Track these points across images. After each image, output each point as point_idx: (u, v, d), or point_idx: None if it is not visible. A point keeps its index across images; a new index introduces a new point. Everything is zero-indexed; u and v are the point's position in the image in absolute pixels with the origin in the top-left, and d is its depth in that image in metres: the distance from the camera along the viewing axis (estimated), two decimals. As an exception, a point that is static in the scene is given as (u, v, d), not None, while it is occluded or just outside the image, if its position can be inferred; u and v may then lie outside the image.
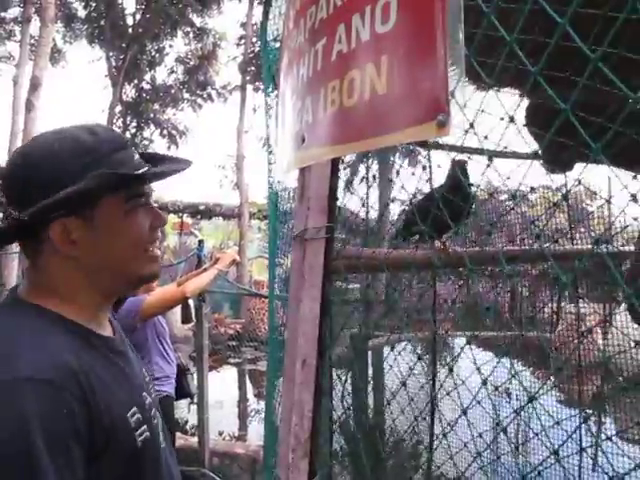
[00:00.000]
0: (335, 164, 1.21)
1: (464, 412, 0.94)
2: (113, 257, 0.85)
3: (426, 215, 1.44)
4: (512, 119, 0.83)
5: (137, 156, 0.88)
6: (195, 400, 4.72)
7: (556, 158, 2.19)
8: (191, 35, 17.21)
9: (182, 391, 3.27)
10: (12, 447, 0.65)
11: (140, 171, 0.85)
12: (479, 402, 1.09)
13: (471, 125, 0.82)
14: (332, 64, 0.96)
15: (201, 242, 5.79)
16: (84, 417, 0.71)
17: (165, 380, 3.04)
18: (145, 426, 0.82)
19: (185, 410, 6.37)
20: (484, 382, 0.91)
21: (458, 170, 1.88)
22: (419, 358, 1.26)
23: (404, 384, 1.24)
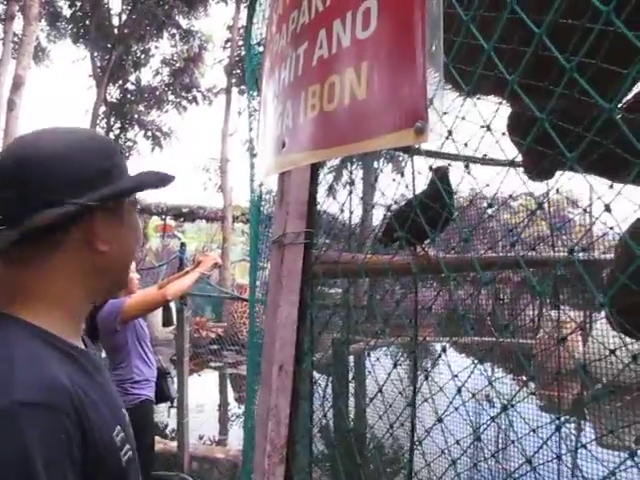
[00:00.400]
0: (315, 170, 1.20)
1: (439, 420, 0.94)
2: (128, 255, 0.89)
3: (406, 221, 1.45)
4: (489, 127, 0.84)
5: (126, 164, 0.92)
6: (175, 404, 4.67)
7: (536, 166, 2.21)
8: (177, 37, 17.14)
9: (162, 395, 3.25)
10: (12, 472, 0.63)
11: (168, 175, 0.89)
12: (456, 408, 1.09)
13: (449, 133, 0.83)
14: (313, 69, 0.96)
15: (183, 245, 5.75)
16: (79, 442, 0.69)
17: (145, 384, 3.01)
18: (128, 445, 0.81)
19: (165, 414, 6.30)
20: (458, 390, 0.92)
21: (438, 177, 1.88)
22: (395, 365, 1.26)
23: (380, 390, 1.24)
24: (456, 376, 1.03)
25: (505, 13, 0.66)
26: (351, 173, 2.09)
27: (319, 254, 1.17)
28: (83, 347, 0.85)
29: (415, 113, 0.69)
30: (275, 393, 1.07)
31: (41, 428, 0.66)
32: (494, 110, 0.92)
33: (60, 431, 0.67)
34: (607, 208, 0.59)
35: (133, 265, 3.14)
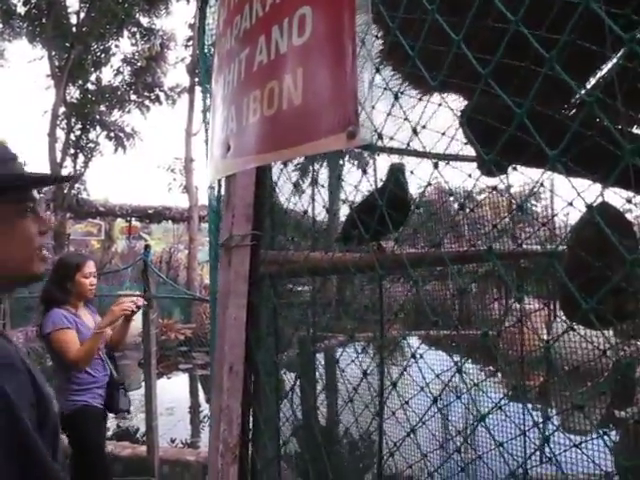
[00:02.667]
0: (260, 172, 1.22)
1: (406, 402, 0.97)
2: (6, 258, 0.91)
3: (363, 218, 1.47)
4: (419, 126, 0.86)
5: (26, 171, 0.99)
6: (135, 411, 4.60)
7: (490, 162, 2.26)
8: (138, 35, 16.83)
9: (111, 406, 3.15)
10: (2, 418, 0.78)
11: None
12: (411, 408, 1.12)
13: (379, 135, 0.85)
14: (254, 74, 0.97)
15: (147, 247, 5.70)
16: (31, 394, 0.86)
17: (85, 391, 2.93)
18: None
19: (135, 418, 6.24)
20: (423, 389, 0.94)
21: (394, 174, 1.91)
22: (349, 360, 1.28)
23: (355, 389, 1.26)
24: (420, 369, 1.05)
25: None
26: (313, 171, 2.11)
27: (265, 255, 1.18)
28: None
29: (347, 118, 0.71)
30: (226, 394, 1.09)
31: (16, 382, 0.83)
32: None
33: (25, 384, 0.85)
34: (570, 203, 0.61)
35: (89, 269, 3.07)
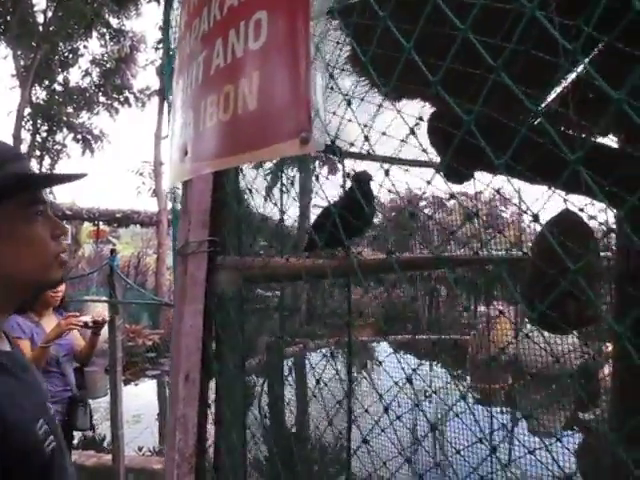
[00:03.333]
0: (218, 177, 1.20)
1: (379, 396, 0.96)
2: (18, 264, 0.85)
3: (325, 225, 1.47)
4: (376, 133, 0.86)
5: (33, 171, 0.92)
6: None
7: (453, 169, 2.29)
8: (107, 36, 16.58)
9: (70, 424, 3.00)
10: None
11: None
12: (385, 408, 1.11)
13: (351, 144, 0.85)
14: (211, 78, 0.96)
15: (113, 251, 5.61)
16: None
17: None
18: (52, 436, 0.85)
19: (101, 426, 6.11)
20: (381, 397, 0.94)
21: (358, 181, 1.92)
22: (316, 365, 1.27)
23: (320, 395, 1.25)
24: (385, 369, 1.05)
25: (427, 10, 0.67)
26: (280, 177, 2.11)
27: (222, 261, 1.17)
28: (8, 349, 0.89)
29: (300, 123, 0.71)
30: (182, 402, 1.06)
31: None
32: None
33: None
34: (536, 218, 0.62)
35: None
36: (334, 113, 1.10)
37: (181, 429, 1.06)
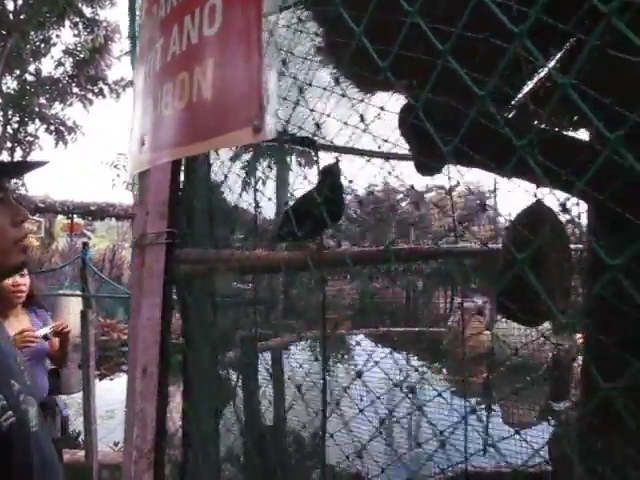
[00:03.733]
0: (176, 168, 1.17)
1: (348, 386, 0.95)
2: None
3: (298, 217, 1.46)
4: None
5: None
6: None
7: (423, 161, 2.29)
8: (80, 26, 16.22)
9: None
10: None
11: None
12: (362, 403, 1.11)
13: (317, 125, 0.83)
14: (167, 66, 0.93)
15: (85, 245, 5.52)
16: None
17: None
18: (10, 412, 0.84)
19: (74, 423, 6.02)
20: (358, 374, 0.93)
21: (324, 173, 1.91)
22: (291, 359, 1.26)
23: (299, 388, 1.24)
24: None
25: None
26: (245, 167, 2.09)
27: (181, 253, 1.15)
28: None
29: (251, 111, 0.69)
30: (139, 397, 1.04)
31: None
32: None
33: None
34: (483, 208, 0.61)
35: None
36: (312, 110, 1.10)
37: (139, 424, 1.04)
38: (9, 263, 0.92)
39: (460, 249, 2.76)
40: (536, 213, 2.04)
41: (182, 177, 1.26)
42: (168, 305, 1.10)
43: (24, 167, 0.96)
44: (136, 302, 1.08)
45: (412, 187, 2.13)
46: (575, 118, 2.21)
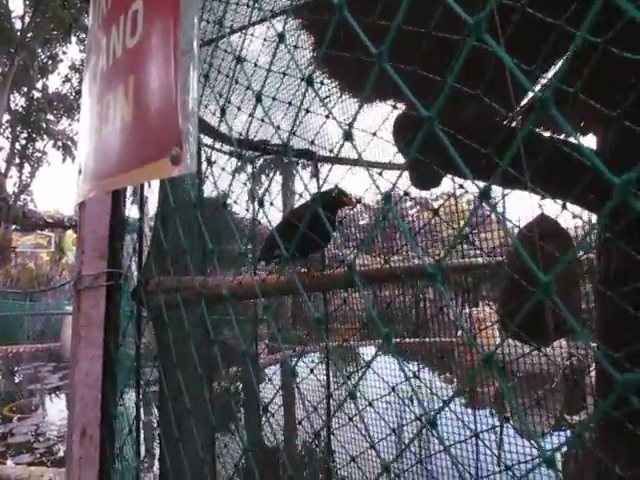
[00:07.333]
0: (117, 199, 1.04)
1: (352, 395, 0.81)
2: None
3: (285, 238, 1.33)
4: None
5: None
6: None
7: (418, 174, 2.16)
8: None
9: None
10: None
11: None
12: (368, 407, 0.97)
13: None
14: (97, 86, 0.80)
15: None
16: None
17: None
18: None
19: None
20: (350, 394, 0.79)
21: (317, 202, 1.78)
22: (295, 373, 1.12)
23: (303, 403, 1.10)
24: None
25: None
26: (252, 181, 1.97)
27: (159, 281, 1.00)
28: None
29: (170, 139, 0.56)
30: (77, 464, 0.90)
31: None
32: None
33: None
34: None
35: None
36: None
37: (78, 498, 0.90)
38: None
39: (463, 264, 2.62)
40: (540, 227, 1.90)
41: (135, 206, 1.13)
42: (111, 357, 0.96)
43: None
44: (73, 353, 0.94)
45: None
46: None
